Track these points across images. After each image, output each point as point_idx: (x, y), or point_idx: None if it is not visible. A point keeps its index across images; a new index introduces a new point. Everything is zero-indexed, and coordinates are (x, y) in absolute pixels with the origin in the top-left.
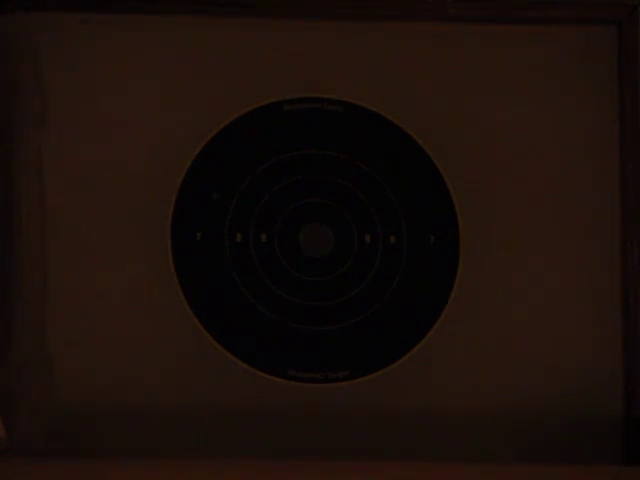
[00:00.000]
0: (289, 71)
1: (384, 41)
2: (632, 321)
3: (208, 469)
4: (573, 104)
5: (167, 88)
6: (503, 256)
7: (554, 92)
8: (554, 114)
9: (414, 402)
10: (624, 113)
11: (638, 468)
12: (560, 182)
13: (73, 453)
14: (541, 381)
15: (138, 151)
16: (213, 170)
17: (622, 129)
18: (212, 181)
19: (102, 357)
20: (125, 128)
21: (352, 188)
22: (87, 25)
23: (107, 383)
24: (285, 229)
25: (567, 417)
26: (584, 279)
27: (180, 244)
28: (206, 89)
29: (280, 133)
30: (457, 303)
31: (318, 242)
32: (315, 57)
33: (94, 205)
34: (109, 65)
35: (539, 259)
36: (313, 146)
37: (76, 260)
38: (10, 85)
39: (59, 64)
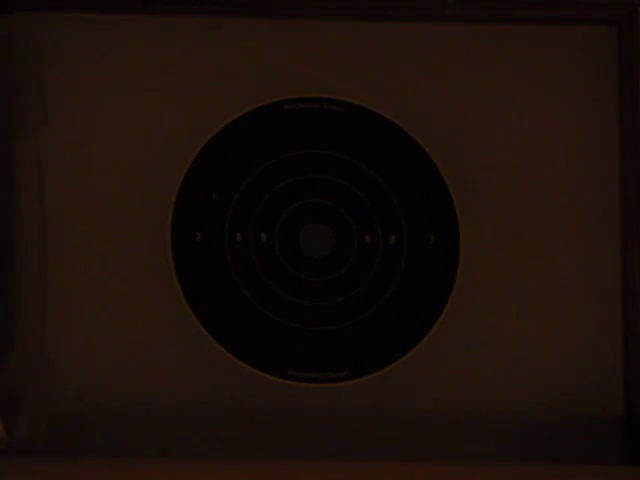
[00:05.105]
0: (289, 71)
1: (384, 41)
2: (632, 321)
3: (208, 469)
4: (573, 104)
5: (167, 88)
6: (503, 256)
7: (554, 92)
8: (554, 114)
9: (414, 402)
10: (624, 113)
11: (638, 468)
12: (560, 182)
13: (73, 453)
14: (541, 381)
15: (138, 151)
16: (213, 170)
17: (622, 129)
18: (212, 181)
19: (102, 357)
20: (125, 128)
21: (352, 188)
22: (87, 25)
23: (107, 383)
24: (285, 229)
25: (567, 417)
26: (584, 279)
27: (180, 244)
28: (206, 89)
29: (280, 133)
30: (457, 303)
31: (318, 242)
32: (315, 57)
33: (94, 205)
34: (109, 65)
35: (539, 259)
36: (313, 146)
37: (76, 260)
38: (10, 85)
39: (59, 64)
